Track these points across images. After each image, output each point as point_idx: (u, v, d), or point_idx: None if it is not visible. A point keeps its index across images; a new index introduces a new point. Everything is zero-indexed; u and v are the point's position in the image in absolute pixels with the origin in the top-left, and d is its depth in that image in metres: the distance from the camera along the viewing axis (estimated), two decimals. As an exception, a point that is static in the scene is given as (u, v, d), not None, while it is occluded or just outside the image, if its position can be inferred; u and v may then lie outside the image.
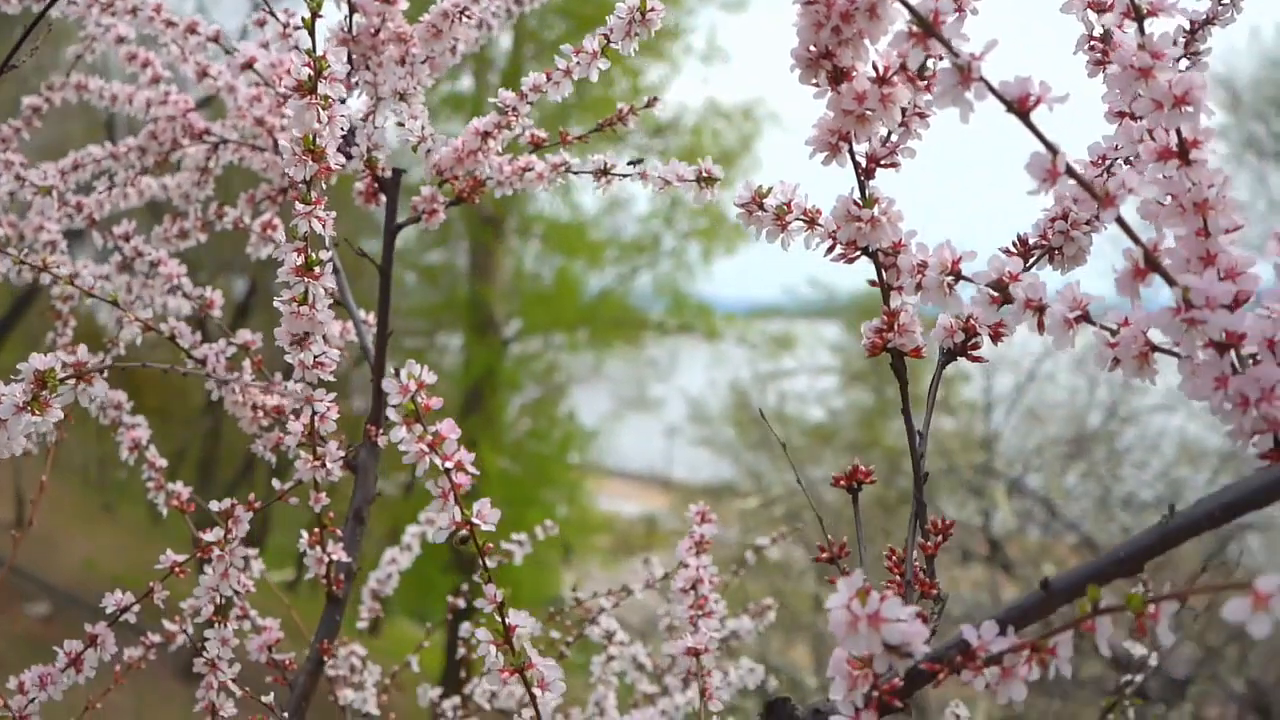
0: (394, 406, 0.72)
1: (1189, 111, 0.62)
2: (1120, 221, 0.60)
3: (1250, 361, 0.62)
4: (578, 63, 1.03)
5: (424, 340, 12.00)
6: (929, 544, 0.74)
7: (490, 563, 1.10)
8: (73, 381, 0.77)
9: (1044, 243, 0.81)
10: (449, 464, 0.73)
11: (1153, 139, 0.64)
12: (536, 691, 0.76)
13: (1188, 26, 0.83)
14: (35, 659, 1.06)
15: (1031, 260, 0.81)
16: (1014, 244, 0.81)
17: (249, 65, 1.20)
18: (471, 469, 0.74)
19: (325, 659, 1.13)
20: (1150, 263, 0.60)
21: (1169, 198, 0.65)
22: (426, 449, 0.73)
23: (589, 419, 12.23)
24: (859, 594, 0.59)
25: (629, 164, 1.07)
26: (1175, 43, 0.84)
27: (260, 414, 1.19)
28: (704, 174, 1.00)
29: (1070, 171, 0.59)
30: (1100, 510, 6.82)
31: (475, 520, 0.74)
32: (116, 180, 1.35)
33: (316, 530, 1.10)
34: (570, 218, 11.79)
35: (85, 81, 1.38)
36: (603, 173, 1.09)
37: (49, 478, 1.34)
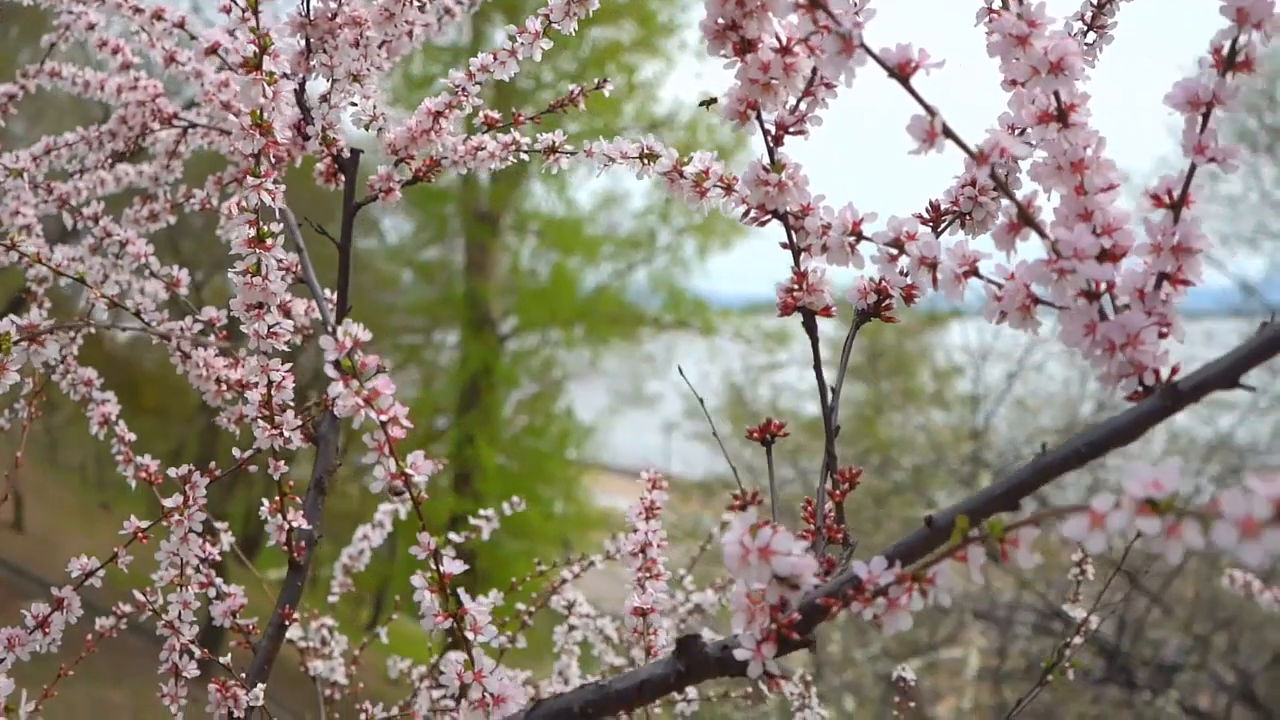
0: (331, 363, 0.75)
1: (1065, 76, 0.66)
2: (995, 179, 0.64)
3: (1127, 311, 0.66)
4: (522, 43, 1.07)
5: (421, 337, 12.05)
6: (838, 492, 0.78)
7: (456, 535, 1.13)
8: (25, 344, 0.81)
9: (954, 208, 0.84)
10: (384, 418, 0.77)
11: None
12: (469, 635, 0.80)
13: (1095, 1, 0.87)
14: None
15: (943, 225, 0.85)
16: (926, 209, 0.85)
17: (213, 50, 1.24)
18: (406, 423, 0.77)
19: (286, 623, 1.17)
20: (1024, 218, 0.64)
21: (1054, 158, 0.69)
22: (363, 403, 0.77)
23: (586, 415, 12.27)
24: (751, 529, 0.63)
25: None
26: (1082, 17, 0.88)
27: (224, 388, 1.23)
28: (645, 152, 1.04)
29: (947, 132, 0.63)
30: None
31: (409, 471, 0.78)
32: (87, 163, 1.39)
33: (277, 498, 1.14)
34: (566, 214, 11.84)
35: (58, 68, 1.42)
36: (551, 150, 1.13)
37: (24, 454, 1.38)
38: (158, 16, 1.28)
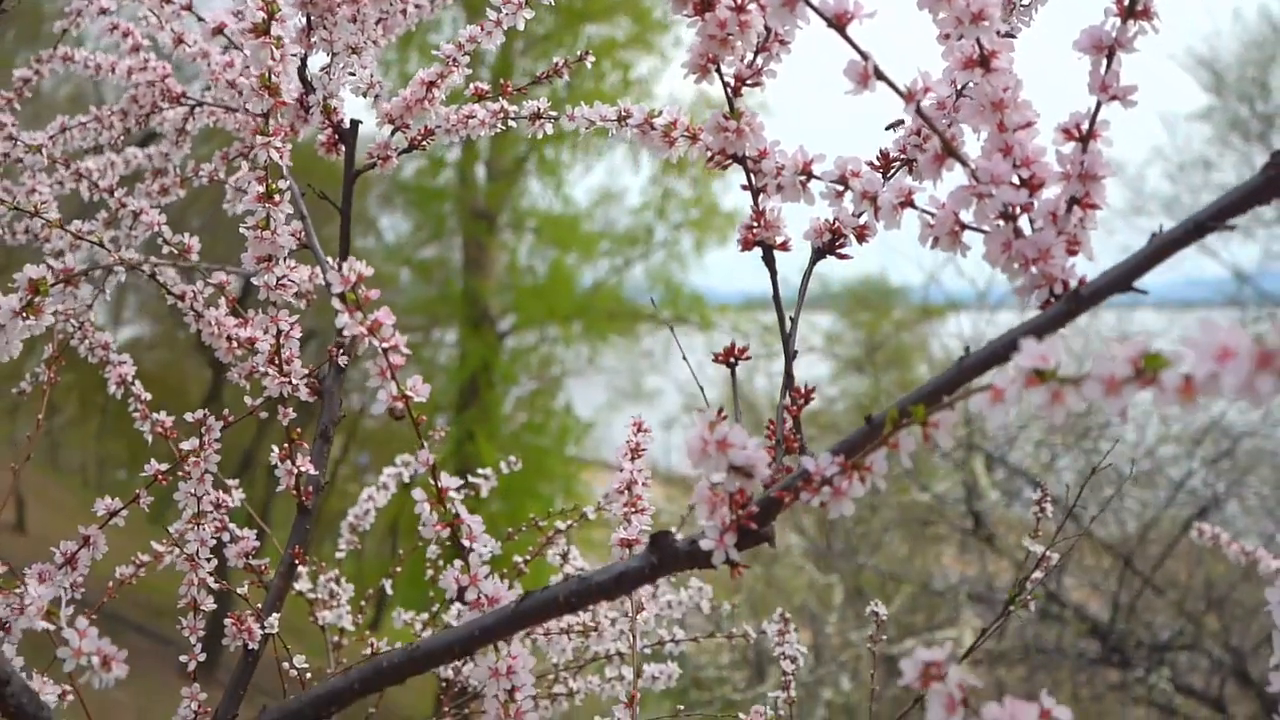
0: (336, 295, 0.84)
1: (985, 26, 0.75)
2: (920, 114, 0.72)
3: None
4: (506, 13, 1.16)
5: (420, 335, 12.13)
6: (794, 407, 0.87)
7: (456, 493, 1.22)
8: (61, 286, 0.90)
9: (903, 155, 0.93)
10: (386, 345, 0.85)
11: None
12: (466, 543, 0.88)
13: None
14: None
15: (892, 171, 0.93)
16: (877, 157, 0.93)
17: (219, 30, 1.32)
18: (405, 350, 0.86)
19: (297, 562, 1.25)
20: (947, 149, 0.73)
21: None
22: (366, 332, 0.85)
23: (585, 411, 12.34)
24: (710, 424, 0.71)
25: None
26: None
27: (235, 345, 1.31)
28: (623, 114, 1.12)
29: (879, 74, 0.71)
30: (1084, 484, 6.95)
31: (410, 393, 0.86)
32: (100, 141, 1.47)
33: (286, 445, 1.22)
34: (563, 211, 11.93)
35: (71, 53, 1.50)
36: (536, 116, 1.22)
37: (43, 418, 1.46)
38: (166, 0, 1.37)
